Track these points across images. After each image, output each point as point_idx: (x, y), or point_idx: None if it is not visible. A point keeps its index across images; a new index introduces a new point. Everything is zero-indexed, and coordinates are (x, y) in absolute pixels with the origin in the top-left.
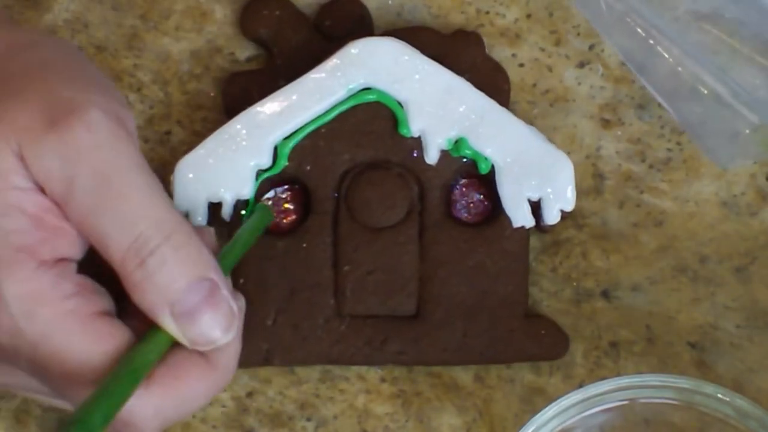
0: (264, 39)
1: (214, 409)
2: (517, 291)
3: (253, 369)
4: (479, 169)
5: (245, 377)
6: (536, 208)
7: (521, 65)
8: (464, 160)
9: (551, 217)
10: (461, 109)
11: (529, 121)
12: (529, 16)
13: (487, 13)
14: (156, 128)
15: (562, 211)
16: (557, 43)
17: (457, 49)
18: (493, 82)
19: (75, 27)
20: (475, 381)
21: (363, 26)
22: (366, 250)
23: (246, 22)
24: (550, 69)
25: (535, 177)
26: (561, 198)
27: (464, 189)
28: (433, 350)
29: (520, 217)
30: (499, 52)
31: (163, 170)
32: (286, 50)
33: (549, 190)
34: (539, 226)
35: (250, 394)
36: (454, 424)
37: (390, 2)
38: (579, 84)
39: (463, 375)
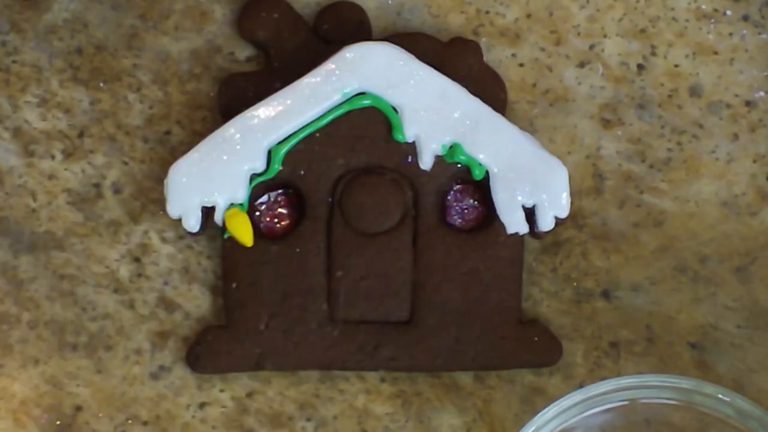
0: (261, 41)
1: (213, 409)
2: (510, 297)
3: None
4: (473, 175)
5: (245, 377)
6: (530, 214)
7: (521, 65)
8: (458, 165)
9: (545, 223)
10: (456, 115)
11: (529, 121)
12: (529, 15)
13: (487, 12)
14: (156, 128)
15: (556, 218)
16: (557, 43)
17: (455, 57)
18: (490, 90)
19: (74, 26)
20: (476, 381)
21: (362, 31)
22: (359, 255)
23: (243, 24)
24: (550, 69)
25: (530, 183)
26: (556, 204)
27: (458, 195)
28: (425, 356)
29: (514, 223)
30: (499, 52)
31: (162, 170)
32: (283, 53)
33: (544, 196)
34: (533, 232)
35: (249, 395)
36: (454, 425)
37: (390, 2)
38: (579, 84)
39: (463, 375)
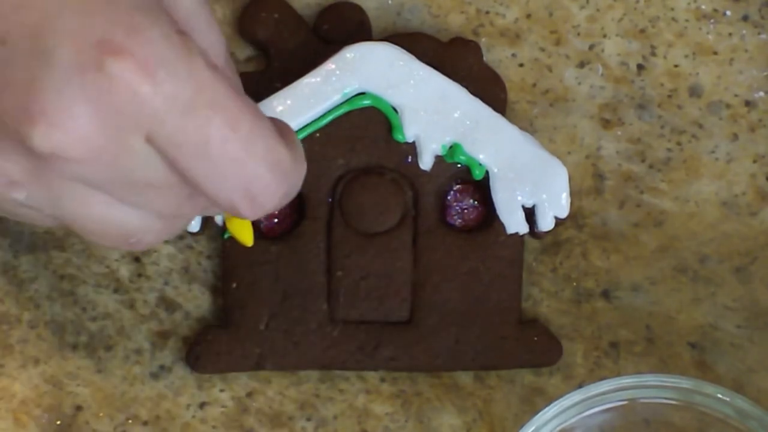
0: (262, 41)
1: (213, 409)
2: (510, 297)
3: None
4: (473, 175)
5: (245, 377)
6: (530, 214)
7: (521, 65)
8: (458, 165)
9: (545, 223)
10: (456, 115)
11: (529, 121)
12: (529, 16)
13: (487, 13)
14: None
15: (556, 218)
16: (557, 43)
17: (455, 57)
18: (490, 90)
19: None
20: (476, 381)
21: (362, 31)
22: (359, 255)
23: (244, 24)
24: (550, 69)
25: (530, 183)
26: (555, 205)
27: (458, 195)
28: (425, 356)
29: (514, 223)
30: (499, 52)
31: None
32: (283, 53)
33: (544, 196)
34: (533, 232)
35: (249, 394)
36: (454, 425)
37: (390, 2)
38: (579, 84)
39: (464, 375)
